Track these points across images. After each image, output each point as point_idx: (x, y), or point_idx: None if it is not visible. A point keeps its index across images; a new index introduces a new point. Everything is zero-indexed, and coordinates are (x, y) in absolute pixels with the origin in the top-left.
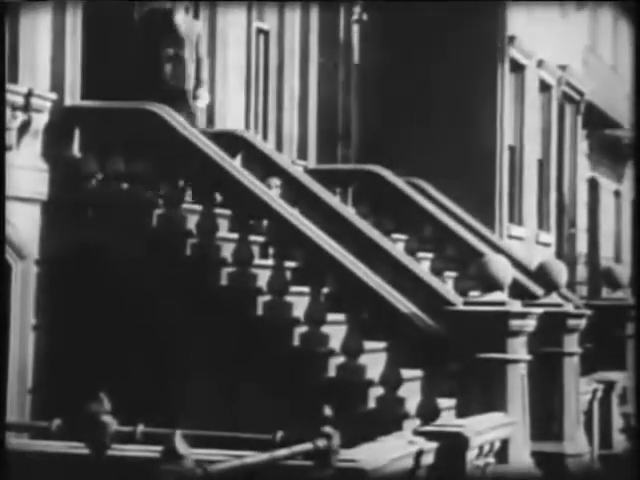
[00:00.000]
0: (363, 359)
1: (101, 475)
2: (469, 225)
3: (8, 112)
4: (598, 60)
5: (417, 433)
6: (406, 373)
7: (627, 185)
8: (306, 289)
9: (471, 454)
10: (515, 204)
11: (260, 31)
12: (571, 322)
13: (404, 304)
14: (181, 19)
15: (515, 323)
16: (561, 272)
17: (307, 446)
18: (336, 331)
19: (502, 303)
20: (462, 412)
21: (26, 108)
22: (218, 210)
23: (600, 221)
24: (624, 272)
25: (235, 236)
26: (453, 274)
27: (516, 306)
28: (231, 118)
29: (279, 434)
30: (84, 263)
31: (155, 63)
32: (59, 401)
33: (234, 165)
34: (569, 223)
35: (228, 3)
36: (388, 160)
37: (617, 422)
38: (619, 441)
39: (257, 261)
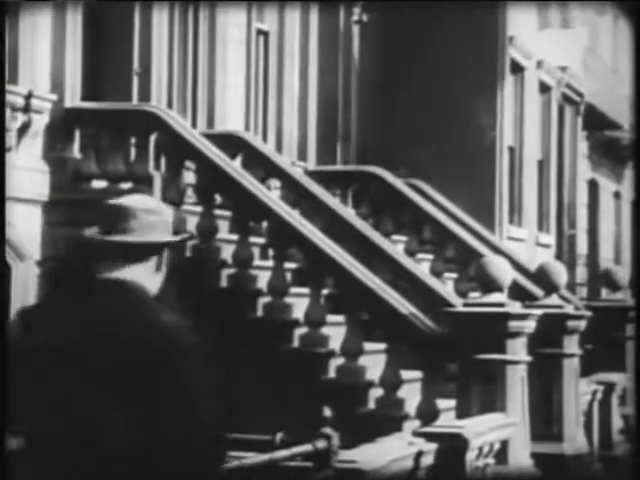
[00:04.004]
0: (363, 360)
1: None
2: (469, 226)
3: (8, 113)
4: (598, 61)
5: (417, 434)
6: (406, 374)
7: (627, 186)
8: (306, 290)
9: (471, 455)
10: (515, 205)
11: (260, 32)
12: (571, 323)
13: (404, 305)
14: None
15: (515, 324)
16: (561, 273)
17: (307, 447)
18: (336, 332)
19: (502, 304)
20: (462, 413)
21: (26, 109)
22: (218, 211)
23: (600, 222)
24: (624, 273)
25: (235, 238)
26: (453, 275)
27: (516, 307)
28: (231, 119)
29: (279, 435)
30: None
31: None
32: None
33: (234, 166)
34: (569, 224)
35: (228, 4)
36: (388, 161)
37: (617, 423)
38: (619, 442)
39: (257, 262)
